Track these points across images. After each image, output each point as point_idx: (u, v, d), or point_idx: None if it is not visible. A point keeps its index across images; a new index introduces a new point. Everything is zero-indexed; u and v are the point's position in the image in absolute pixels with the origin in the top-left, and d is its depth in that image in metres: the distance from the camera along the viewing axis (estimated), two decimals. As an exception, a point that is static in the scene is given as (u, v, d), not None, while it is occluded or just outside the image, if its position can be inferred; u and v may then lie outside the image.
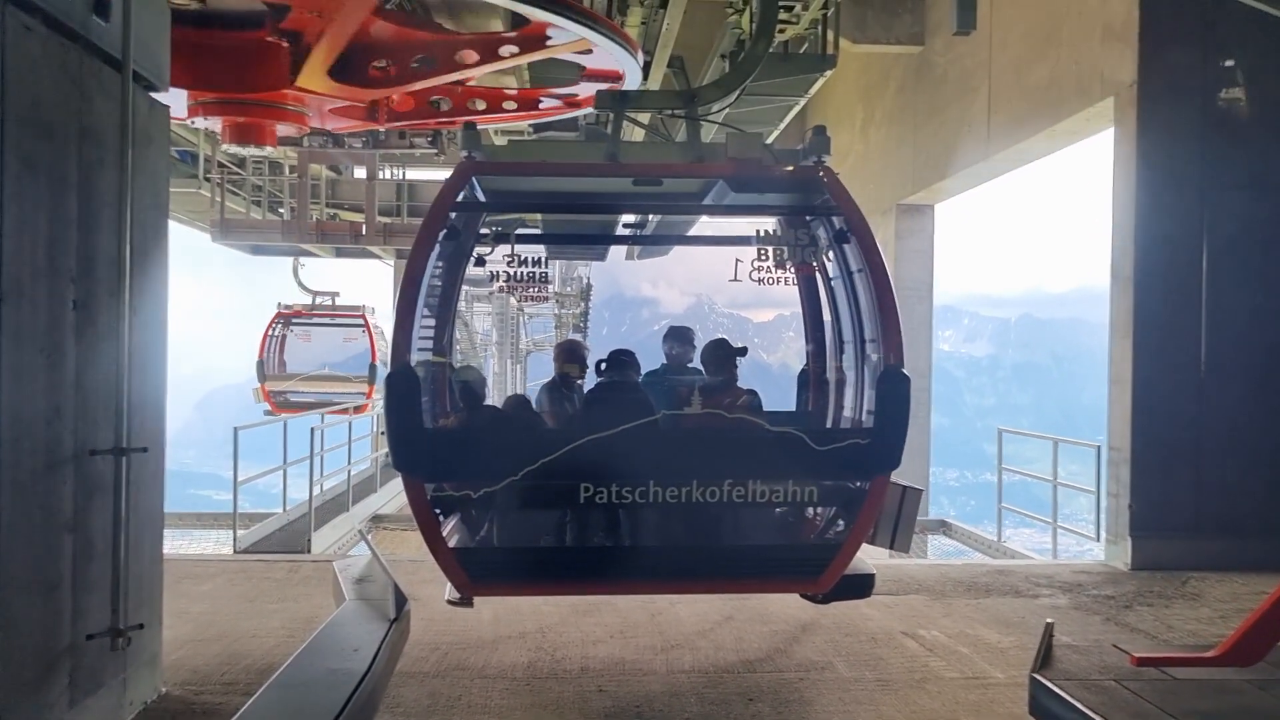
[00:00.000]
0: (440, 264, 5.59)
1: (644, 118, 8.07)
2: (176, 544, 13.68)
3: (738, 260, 5.09)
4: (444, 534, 4.92)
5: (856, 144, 17.38)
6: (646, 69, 10.14)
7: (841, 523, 5.25)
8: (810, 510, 5.47)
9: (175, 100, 8.64)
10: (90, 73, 4.34)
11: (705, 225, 6.69)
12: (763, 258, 5.07)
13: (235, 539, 9.89)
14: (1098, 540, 8.98)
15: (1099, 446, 8.96)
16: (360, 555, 6.34)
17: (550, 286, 6.31)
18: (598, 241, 8.04)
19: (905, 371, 4.89)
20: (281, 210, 17.00)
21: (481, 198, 5.40)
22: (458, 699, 5.04)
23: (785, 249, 5.10)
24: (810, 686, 5.34)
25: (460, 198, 5.08)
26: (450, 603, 5.04)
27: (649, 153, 6.25)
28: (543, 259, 5.31)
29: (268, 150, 9.13)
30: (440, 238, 5.03)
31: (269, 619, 6.47)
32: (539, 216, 6.30)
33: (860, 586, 5.38)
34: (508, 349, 33.59)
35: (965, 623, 6.69)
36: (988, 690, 5.31)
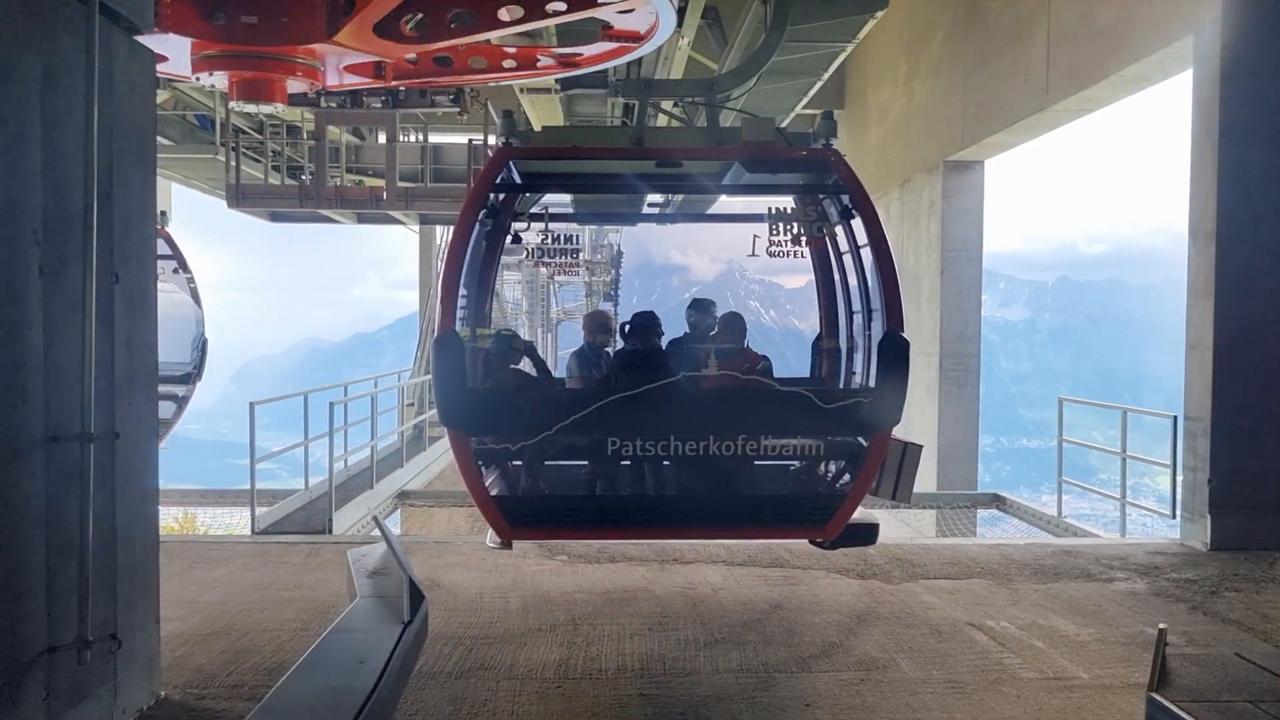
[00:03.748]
0: (481, 240, 6.07)
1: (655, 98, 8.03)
2: (218, 516, 13.35)
3: (755, 236, 5.62)
4: (486, 484, 5.50)
5: (900, 99, 16.56)
6: (681, 16, 9.47)
7: (847, 475, 5.76)
8: (819, 464, 6.00)
9: (179, 54, 8.12)
10: (55, 7, 3.81)
11: (725, 204, 7.03)
12: (776, 233, 5.57)
13: (254, 519, 9.50)
14: (1173, 518, 8.32)
15: (1175, 417, 8.27)
16: (379, 542, 5.87)
17: (581, 255, 6.51)
18: (624, 219, 8.72)
19: (904, 336, 5.39)
20: (303, 176, 16.50)
21: (517, 179, 5.92)
22: (483, 704, 4.55)
23: (797, 225, 5.61)
24: (872, 689, 4.80)
25: (498, 179, 5.66)
26: (491, 546, 5.74)
27: (671, 137, 6.52)
28: (576, 235, 6.00)
29: (278, 108, 8.58)
30: (480, 217, 5.59)
31: (282, 609, 6.03)
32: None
33: (866, 534, 5.83)
34: (538, 318, 33.16)
35: (1036, 611, 6.11)
36: (1072, 694, 4.73)
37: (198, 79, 8.19)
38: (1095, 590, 6.64)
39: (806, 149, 5.65)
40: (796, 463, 6.04)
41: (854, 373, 6.33)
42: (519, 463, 6.08)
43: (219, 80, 8.19)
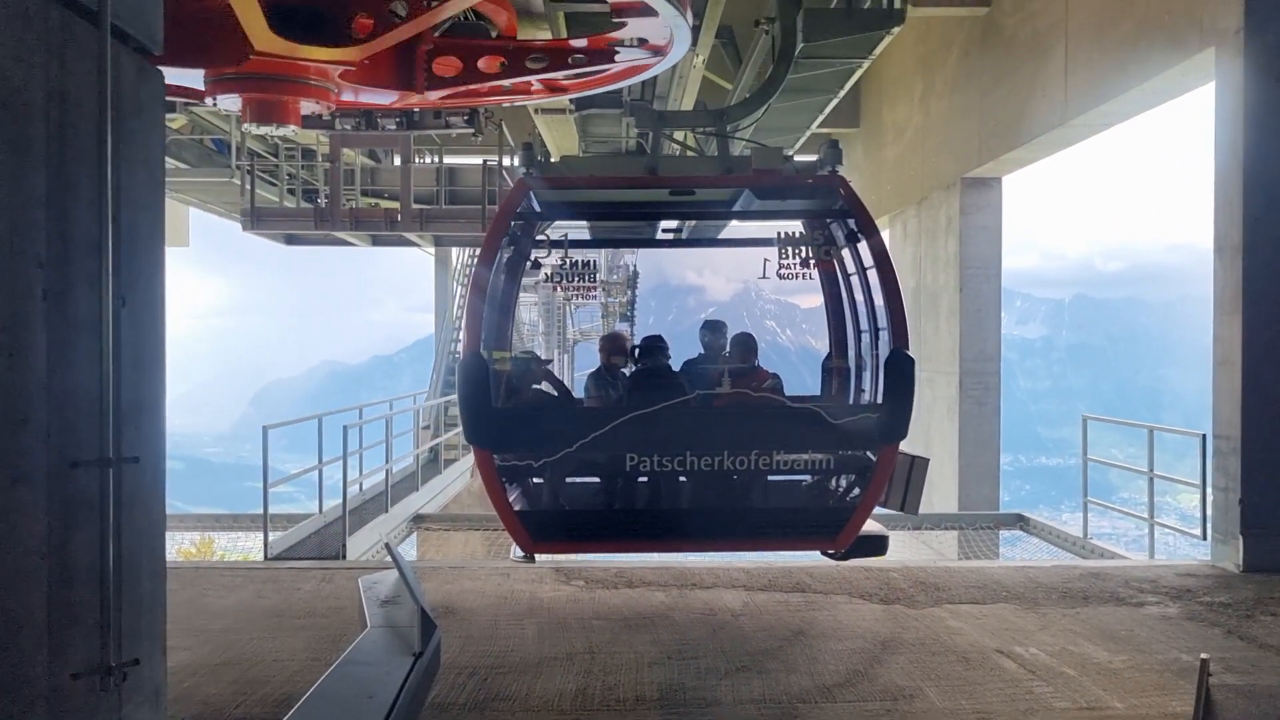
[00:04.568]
0: (502, 266, 6.38)
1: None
2: (235, 540, 13.27)
3: (765, 260, 5.85)
4: (510, 500, 5.78)
5: (915, 116, 16.48)
6: (696, 33, 9.43)
7: (857, 488, 6.01)
8: (829, 477, 6.25)
9: (193, 78, 8.12)
10: (61, 26, 3.75)
11: (737, 228, 7.29)
12: (785, 256, 5.83)
13: (266, 545, 9.41)
14: (1203, 538, 8.12)
15: (1204, 435, 8.08)
16: (392, 568, 5.77)
17: (597, 277, 6.74)
18: (639, 244, 9.49)
19: (909, 354, 5.67)
20: (318, 199, 16.56)
21: (537, 208, 6.14)
22: (497, 737, 4.42)
23: (806, 248, 5.86)
24: (899, 720, 4.64)
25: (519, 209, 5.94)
26: (515, 560, 6.08)
27: (684, 166, 6.82)
28: (593, 260, 6.28)
29: (292, 130, 8.55)
30: (503, 245, 5.93)
31: (293, 638, 5.93)
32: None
33: (876, 546, 6.09)
34: (554, 339, 33.13)
35: (1066, 637, 5.93)
36: (1108, 725, 4.56)
37: (211, 101, 8.17)
38: (1126, 615, 6.45)
39: (813, 175, 5.87)
40: (808, 477, 6.31)
41: (863, 390, 6.56)
42: (540, 480, 6.34)
43: (232, 103, 8.17)
